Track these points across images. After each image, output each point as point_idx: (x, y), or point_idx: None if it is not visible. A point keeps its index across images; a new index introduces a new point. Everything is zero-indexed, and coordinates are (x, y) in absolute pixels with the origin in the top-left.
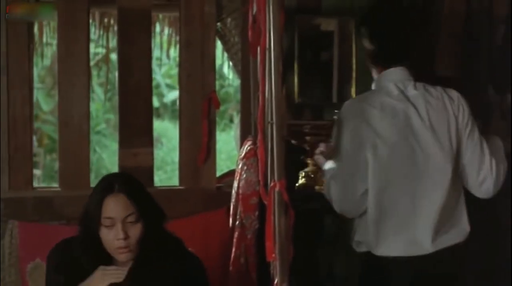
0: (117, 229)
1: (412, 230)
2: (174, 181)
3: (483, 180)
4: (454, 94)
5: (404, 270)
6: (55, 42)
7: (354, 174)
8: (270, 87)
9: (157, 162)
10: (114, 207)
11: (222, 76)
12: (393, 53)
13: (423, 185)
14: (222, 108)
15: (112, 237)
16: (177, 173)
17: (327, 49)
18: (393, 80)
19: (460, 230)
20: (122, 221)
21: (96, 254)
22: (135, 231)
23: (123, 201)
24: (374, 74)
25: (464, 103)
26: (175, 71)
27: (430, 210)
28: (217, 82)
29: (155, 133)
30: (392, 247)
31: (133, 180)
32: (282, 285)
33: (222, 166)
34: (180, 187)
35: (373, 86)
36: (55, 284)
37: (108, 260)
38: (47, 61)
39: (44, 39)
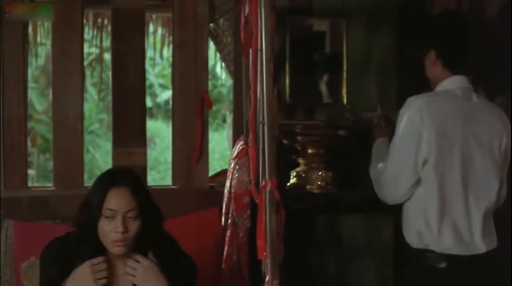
0: (117, 222)
1: (466, 229)
2: (167, 181)
3: (502, 197)
4: (503, 115)
5: (460, 267)
6: (49, 42)
7: (410, 166)
8: (261, 87)
9: (150, 162)
10: (118, 200)
11: (215, 76)
12: (462, 60)
13: (474, 191)
14: (215, 108)
15: (111, 229)
16: (170, 172)
17: (319, 49)
18: (459, 86)
19: (494, 238)
20: (123, 215)
21: (91, 245)
22: (134, 226)
23: (126, 195)
24: (436, 81)
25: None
26: (168, 71)
27: (478, 215)
28: (210, 82)
29: (148, 133)
30: (451, 244)
31: (137, 177)
32: (273, 282)
33: (215, 166)
34: (173, 187)
35: (437, 89)
36: (48, 280)
37: (101, 253)
38: (41, 61)
39: (38, 39)
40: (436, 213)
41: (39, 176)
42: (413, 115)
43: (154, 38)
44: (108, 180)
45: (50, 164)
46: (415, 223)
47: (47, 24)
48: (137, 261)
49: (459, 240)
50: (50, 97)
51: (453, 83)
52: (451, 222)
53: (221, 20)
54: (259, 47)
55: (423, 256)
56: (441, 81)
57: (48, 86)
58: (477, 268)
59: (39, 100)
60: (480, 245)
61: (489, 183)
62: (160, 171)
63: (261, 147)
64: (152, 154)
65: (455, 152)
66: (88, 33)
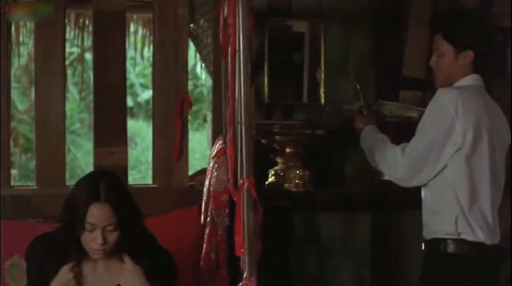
0: (97, 234)
1: (492, 219)
2: (148, 180)
3: None
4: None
5: (488, 256)
6: (30, 42)
7: (439, 153)
8: (239, 88)
9: (131, 162)
10: (98, 215)
11: (196, 76)
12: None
13: (496, 182)
14: (195, 108)
15: (92, 239)
16: (150, 172)
17: (297, 50)
18: (478, 83)
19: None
20: (102, 228)
21: (75, 245)
22: (112, 237)
23: (106, 211)
24: (453, 77)
25: None
26: (149, 70)
27: (497, 207)
28: (191, 82)
29: (129, 133)
30: (482, 234)
31: (117, 185)
32: (251, 278)
33: (196, 165)
34: (154, 185)
35: (459, 84)
36: (34, 276)
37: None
38: (23, 61)
39: (21, 39)
40: (467, 202)
41: (21, 176)
42: (447, 105)
43: (135, 38)
44: (90, 194)
45: (32, 164)
46: (449, 211)
47: (30, 24)
48: (123, 261)
49: (488, 229)
50: (32, 97)
51: (475, 79)
52: (480, 212)
53: (201, 21)
54: (237, 48)
55: (454, 245)
56: (462, 77)
57: (29, 86)
58: (499, 258)
59: (20, 100)
60: (499, 235)
61: (503, 176)
62: (141, 171)
63: (239, 146)
64: (133, 153)
65: (484, 144)
66: (69, 33)
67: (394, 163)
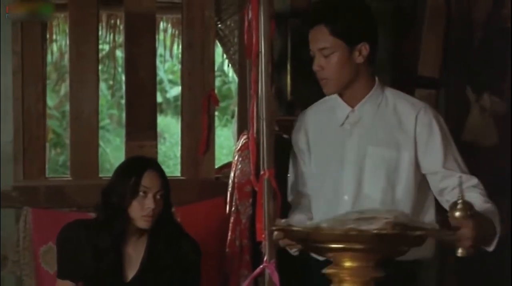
0: (149, 199)
1: None
2: (176, 175)
3: None
4: None
5: None
6: (60, 38)
7: None
8: (261, 87)
9: (160, 157)
10: (151, 180)
11: (224, 73)
12: None
13: None
14: (224, 104)
15: (142, 206)
16: (179, 167)
17: None
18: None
19: None
20: (153, 193)
21: (119, 220)
22: (159, 206)
23: (157, 178)
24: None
25: None
26: (177, 67)
27: None
28: (219, 79)
29: (158, 129)
30: None
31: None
32: (271, 261)
33: (223, 160)
34: (182, 177)
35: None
36: (64, 261)
37: (125, 228)
38: (53, 58)
39: (53, 37)
40: None
41: (50, 170)
42: None
43: (165, 36)
44: (143, 163)
45: (61, 158)
46: None
47: (62, 25)
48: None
49: None
50: (61, 93)
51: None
52: None
53: (227, 23)
54: (259, 50)
55: None
56: (357, 77)
57: (59, 82)
58: None
59: (50, 96)
60: None
61: None
62: (169, 166)
63: (261, 140)
64: (161, 148)
65: None
66: (101, 32)
67: None
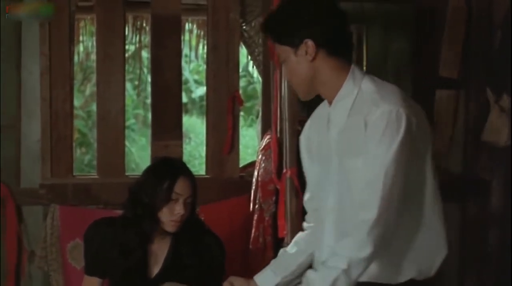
0: (180, 205)
1: None
2: (201, 174)
3: None
4: None
5: None
6: (86, 39)
7: None
8: (284, 87)
9: (185, 156)
10: (184, 186)
11: (250, 74)
12: None
13: None
14: (249, 104)
15: (172, 211)
16: (204, 166)
17: None
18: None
19: None
20: (184, 199)
21: (148, 221)
22: (188, 210)
23: (189, 183)
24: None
25: None
26: (202, 68)
27: None
28: (245, 79)
29: (183, 129)
30: None
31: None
32: None
33: (248, 159)
34: (207, 176)
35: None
36: (90, 256)
37: (154, 228)
38: (79, 58)
39: (80, 38)
40: None
41: (75, 169)
42: None
43: (190, 37)
44: (177, 168)
45: (87, 158)
46: None
47: (89, 26)
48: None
49: None
50: (87, 93)
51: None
52: None
53: (253, 23)
54: None
55: None
56: (318, 73)
57: (84, 83)
58: None
59: (76, 96)
60: None
61: None
62: (195, 165)
63: (284, 140)
64: (187, 148)
65: None
66: (127, 33)
67: None
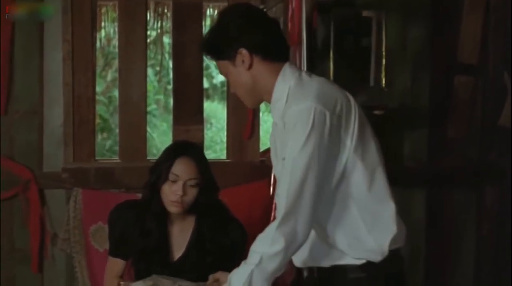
0: (178, 186)
1: None
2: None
3: None
4: None
5: None
6: (107, 25)
7: None
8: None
9: (206, 141)
10: (183, 167)
11: None
12: None
13: None
14: None
15: (171, 192)
16: (225, 151)
17: (361, 38)
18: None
19: None
20: (184, 181)
21: (155, 203)
22: (191, 193)
23: (191, 165)
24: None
25: None
26: None
27: None
28: None
29: (204, 114)
30: None
31: (202, 152)
32: None
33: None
34: (228, 160)
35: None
36: (115, 239)
37: (163, 211)
38: (101, 44)
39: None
40: None
41: (97, 154)
42: None
43: (211, 21)
44: (178, 148)
45: (108, 143)
46: None
47: (111, 13)
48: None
49: None
50: (108, 78)
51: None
52: None
53: (274, 10)
54: (300, 39)
55: None
56: (264, 80)
57: (106, 68)
58: None
59: (97, 82)
60: None
61: None
62: (216, 150)
63: None
64: (208, 134)
65: None
66: (148, 19)
67: None
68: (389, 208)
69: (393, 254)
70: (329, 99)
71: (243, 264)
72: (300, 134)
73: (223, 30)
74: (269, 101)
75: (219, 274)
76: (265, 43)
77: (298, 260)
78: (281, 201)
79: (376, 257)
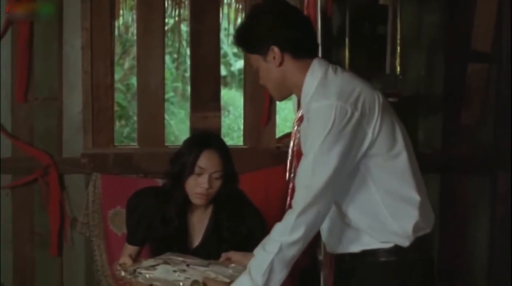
0: (204, 178)
1: None
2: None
3: None
4: None
5: None
6: (125, 13)
7: None
8: None
9: (224, 129)
10: (208, 160)
11: None
12: None
13: None
14: None
15: (197, 184)
16: (242, 139)
17: (376, 24)
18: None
19: None
20: (209, 174)
21: (178, 193)
22: (216, 185)
23: (216, 158)
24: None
25: None
26: None
27: None
28: None
29: (222, 102)
30: None
31: (224, 143)
32: None
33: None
34: (245, 146)
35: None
36: (133, 225)
37: (186, 200)
38: (119, 32)
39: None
40: None
41: (115, 141)
42: None
43: (229, 10)
44: (203, 141)
45: (126, 130)
46: None
47: (129, 0)
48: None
49: None
50: (126, 66)
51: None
52: None
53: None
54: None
55: None
56: (295, 77)
57: (123, 56)
58: None
59: (115, 69)
60: None
61: None
62: (233, 138)
63: None
64: (225, 121)
65: None
66: (166, 7)
67: None
68: (411, 194)
69: (422, 240)
70: (351, 96)
71: (261, 251)
72: (320, 131)
73: (256, 26)
74: (298, 95)
75: (231, 254)
76: (296, 42)
77: (330, 247)
78: (301, 192)
79: (403, 242)
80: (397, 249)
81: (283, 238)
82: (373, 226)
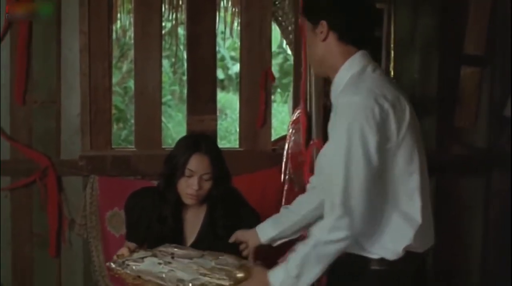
0: (194, 180)
1: None
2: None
3: None
4: None
5: None
6: (123, 17)
7: None
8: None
9: (221, 132)
10: (198, 163)
11: (286, 51)
12: None
13: None
14: (285, 80)
15: (187, 186)
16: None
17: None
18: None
19: None
20: (199, 176)
21: (171, 193)
22: (206, 186)
23: (205, 161)
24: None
25: None
26: (238, 44)
27: None
28: (281, 56)
29: (219, 105)
30: None
31: (215, 145)
32: None
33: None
34: (240, 149)
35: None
36: (132, 225)
37: (179, 200)
38: (117, 35)
39: (118, 16)
40: None
41: (112, 143)
42: None
43: (225, 14)
44: (193, 144)
45: (123, 133)
46: None
47: (127, 5)
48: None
49: None
50: (124, 69)
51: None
52: None
53: (285, 3)
54: None
55: None
56: (334, 58)
57: (121, 59)
58: None
59: (112, 72)
60: None
61: None
62: (230, 141)
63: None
64: (223, 124)
65: None
66: (163, 10)
67: None
68: (415, 215)
69: (413, 255)
70: (380, 96)
71: (300, 244)
72: (344, 126)
73: None
74: (332, 79)
75: (238, 233)
76: (345, 25)
77: None
78: (334, 193)
79: (391, 256)
80: (384, 260)
81: (322, 236)
82: (368, 235)
